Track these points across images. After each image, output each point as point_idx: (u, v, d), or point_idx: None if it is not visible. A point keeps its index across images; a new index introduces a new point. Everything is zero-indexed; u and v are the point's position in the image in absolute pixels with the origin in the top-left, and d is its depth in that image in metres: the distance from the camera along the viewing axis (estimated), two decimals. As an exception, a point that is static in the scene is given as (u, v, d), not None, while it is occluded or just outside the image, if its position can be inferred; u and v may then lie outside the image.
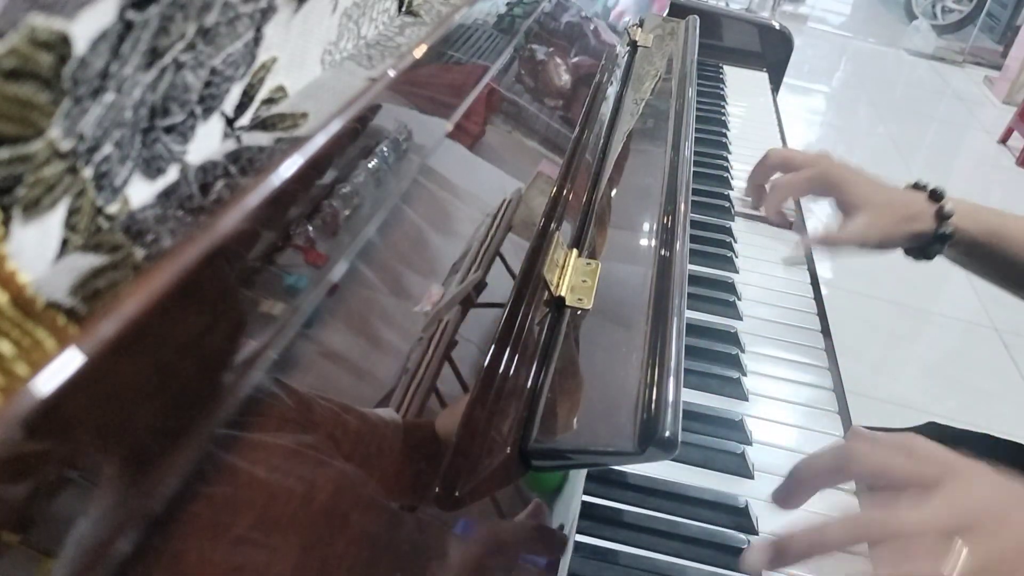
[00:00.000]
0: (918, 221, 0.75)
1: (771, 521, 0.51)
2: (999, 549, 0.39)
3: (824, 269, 2.24)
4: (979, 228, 0.75)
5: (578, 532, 0.47)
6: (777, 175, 0.86)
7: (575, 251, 0.53)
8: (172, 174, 0.25)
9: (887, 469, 0.45)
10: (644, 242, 0.58)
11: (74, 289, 0.20)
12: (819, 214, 0.89)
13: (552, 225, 0.51)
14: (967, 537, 0.40)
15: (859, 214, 0.76)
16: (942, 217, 0.75)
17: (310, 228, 0.28)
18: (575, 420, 0.42)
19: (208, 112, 0.27)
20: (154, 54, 0.23)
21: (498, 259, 0.44)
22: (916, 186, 0.79)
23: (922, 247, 0.77)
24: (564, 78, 0.68)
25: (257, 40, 0.28)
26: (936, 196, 0.76)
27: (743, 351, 0.66)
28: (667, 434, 0.38)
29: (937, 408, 1.83)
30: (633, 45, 0.98)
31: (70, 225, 0.21)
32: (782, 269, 0.79)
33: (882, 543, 0.41)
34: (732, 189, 0.93)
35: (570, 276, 0.51)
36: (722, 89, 1.21)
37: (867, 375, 1.89)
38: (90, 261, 0.21)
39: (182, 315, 0.21)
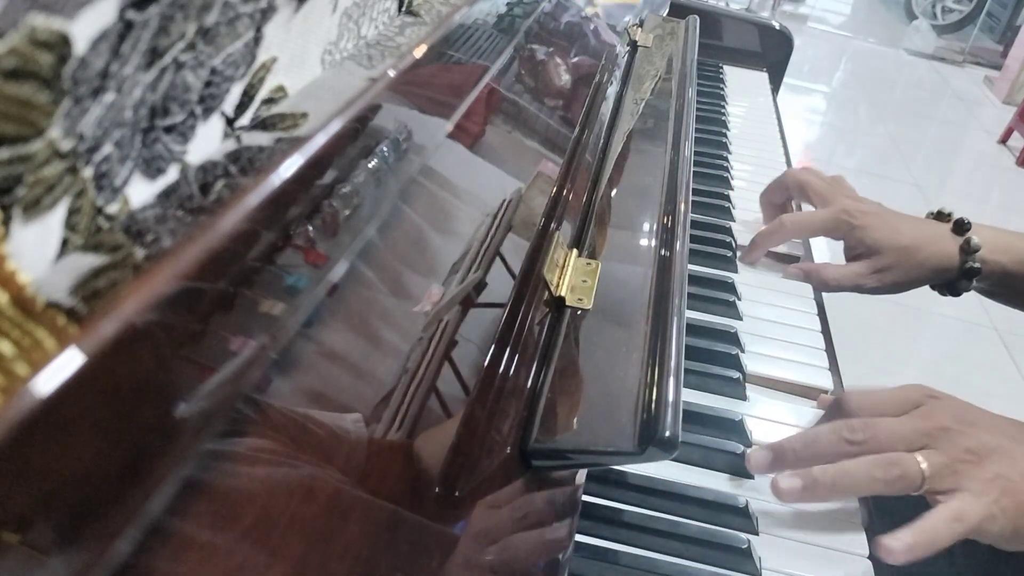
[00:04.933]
0: (942, 257, 0.70)
1: (771, 523, 0.51)
2: (963, 449, 0.49)
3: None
4: (1010, 258, 0.69)
5: (578, 532, 0.47)
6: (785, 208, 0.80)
7: (575, 251, 0.53)
8: (172, 174, 0.25)
9: (870, 398, 0.55)
10: (644, 242, 0.58)
11: (74, 289, 0.20)
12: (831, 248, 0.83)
13: (552, 225, 0.52)
14: (935, 442, 0.49)
15: (873, 258, 0.71)
16: (968, 252, 0.69)
17: (310, 228, 0.28)
18: (575, 420, 0.43)
19: (208, 112, 0.27)
20: (154, 54, 0.23)
21: (498, 259, 0.44)
22: (939, 215, 0.74)
23: (949, 283, 0.72)
24: (564, 78, 0.68)
25: (257, 40, 0.28)
26: (961, 228, 0.71)
27: (743, 351, 0.66)
28: (667, 434, 0.38)
29: (937, 408, 1.82)
30: (633, 45, 0.98)
31: (70, 225, 0.21)
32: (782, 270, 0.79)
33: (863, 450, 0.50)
34: (732, 189, 0.93)
35: (570, 276, 0.51)
36: (722, 89, 1.21)
37: (867, 375, 1.89)
38: (90, 261, 0.21)
39: (182, 315, 0.21)
